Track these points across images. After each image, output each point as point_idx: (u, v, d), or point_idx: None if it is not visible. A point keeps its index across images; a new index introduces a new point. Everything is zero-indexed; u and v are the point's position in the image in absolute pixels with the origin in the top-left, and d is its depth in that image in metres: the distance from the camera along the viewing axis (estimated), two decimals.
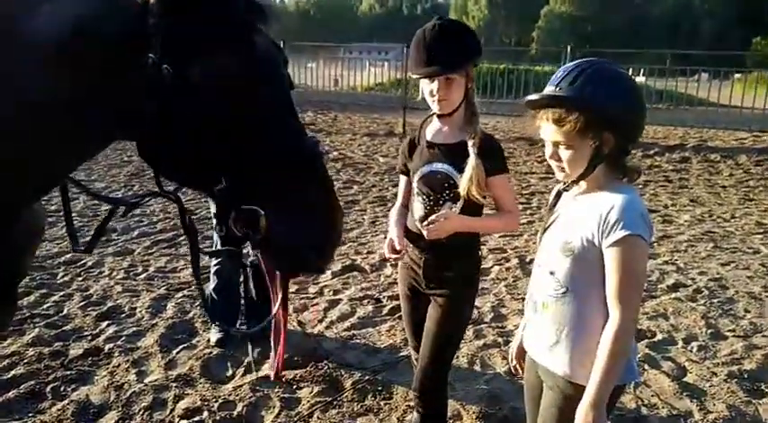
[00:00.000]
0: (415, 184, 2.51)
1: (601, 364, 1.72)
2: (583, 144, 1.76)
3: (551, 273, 1.88)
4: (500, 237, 6.45)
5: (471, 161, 2.29)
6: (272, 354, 3.50)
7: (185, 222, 1.74)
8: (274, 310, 2.07)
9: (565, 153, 1.80)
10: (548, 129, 1.81)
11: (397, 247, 2.43)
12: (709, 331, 4.29)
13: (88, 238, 1.83)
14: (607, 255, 1.73)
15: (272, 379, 3.48)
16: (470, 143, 2.33)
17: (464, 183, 2.30)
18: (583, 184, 1.86)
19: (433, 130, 2.52)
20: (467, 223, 2.40)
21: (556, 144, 1.81)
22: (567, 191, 1.92)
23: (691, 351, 4.00)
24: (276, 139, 1.48)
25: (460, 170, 2.34)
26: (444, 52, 2.25)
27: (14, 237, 1.70)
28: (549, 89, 1.80)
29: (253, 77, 1.47)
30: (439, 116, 2.46)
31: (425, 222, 2.36)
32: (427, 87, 2.37)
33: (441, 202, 2.43)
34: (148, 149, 1.56)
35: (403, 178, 2.67)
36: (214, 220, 1.95)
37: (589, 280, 1.79)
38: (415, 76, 2.42)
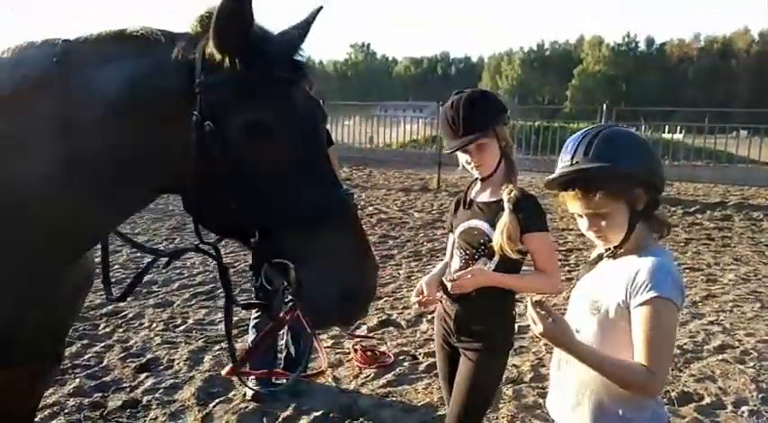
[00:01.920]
0: (455, 240, 2.58)
1: (604, 360, 1.66)
2: (617, 208, 1.76)
3: (577, 331, 1.82)
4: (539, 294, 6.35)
5: (504, 216, 2.33)
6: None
7: (222, 275, 1.76)
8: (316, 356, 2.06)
9: (603, 222, 1.78)
10: (576, 204, 1.80)
11: (424, 292, 2.50)
12: (760, 395, 4.10)
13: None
14: (634, 315, 1.69)
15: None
16: (505, 198, 2.37)
17: (496, 237, 2.33)
18: None
19: (476, 189, 2.61)
20: (495, 279, 2.40)
21: (590, 216, 1.80)
22: (611, 257, 1.87)
23: (741, 415, 3.83)
24: (310, 191, 1.51)
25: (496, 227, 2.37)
26: (467, 122, 2.38)
27: (62, 291, 1.76)
28: (564, 164, 1.80)
29: (290, 133, 1.50)
30: (482, 179, 2.55)
31: (451, 276, 2.42)
32: (462, 157, 2.51)
33: (476, 257, 2.46)
34: (190, 202, 1.61)
35: (451, 236, 2.72)
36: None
37: (615, 342, 1.74)
38: (448, 152, 2.55)
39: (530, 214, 2.37)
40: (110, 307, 5.48)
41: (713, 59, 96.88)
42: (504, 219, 2.32)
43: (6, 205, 1.53)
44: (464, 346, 2.49)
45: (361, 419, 3.64)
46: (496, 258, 2.40)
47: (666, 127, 21.38)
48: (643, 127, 17.70)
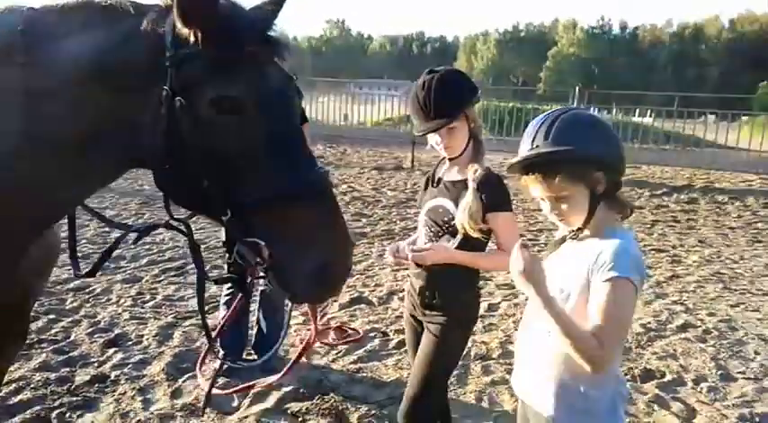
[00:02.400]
0: (421, 217, 2.62)
1: (569, 322, 1.67)
2: (577, 191, 1.78)
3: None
4: (508, 273, 6.44)
5: (468, 195, 2.35)
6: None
7: (194, 251, 1.73)
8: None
9: (564, 205, 1.81)
10: (537, 187, 1.82)
11: (397, 249, 2.55)
12: (719, 373, 4.25)
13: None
14: (593, 293, 1.72)
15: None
16: (470, 177, 2.39)
17: (458, 216, 2.36)
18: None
19: (443, 168, 2.63)
20: (454, 256, 2.41)
21: (551, 199, 1.82)
22: (574, 239, 1.89)
23: (701, 392, 3.96)
24: (284, 169, 1.49)
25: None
26: (438, 106, 2.36)
27: (27, 262, 1.72)
28: (525, 149, 1.82)
29: (262, 109, 1.48)
30: (449, 159, 2.56)
31: (413, 250, 2.45)
32: (432, 138, 2.51)
33: (440, 234, 2.50)
34: (161, 178, 1.58)
35: (420, 213, 2.77)
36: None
37: (577, 320, 1.75)
38: (417, 134, 2.52)
39: (493, 194, 2.38)
40: (77, 282, 5.38)
41: (684, 45, 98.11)
42: (467, 198, 2.34)
43: None
44: (427, 319, 2.53)
45: (331, 395, 3.67)
46: (459, 236, 2.42)
47: (637, 110, 21.71)
48: (614, 110, 17.92)
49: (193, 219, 1.86)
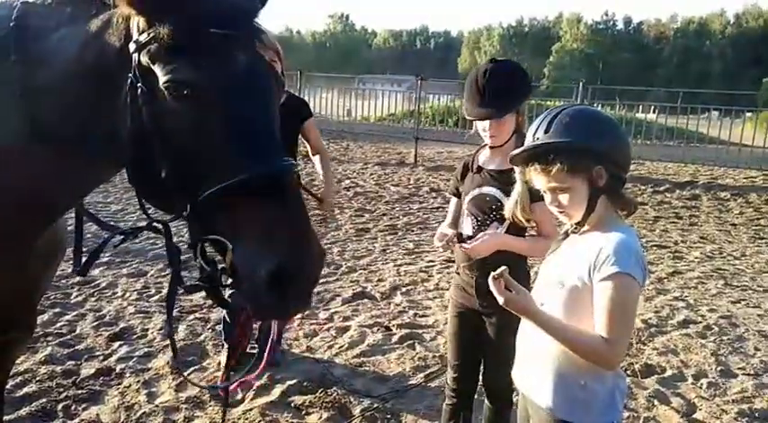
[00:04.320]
0: (465, 206, 2.71)
1: (566, 330, 1.74)
2: (577, 183, 1.80)
3: (542, 304, 1.89)
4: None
5: (518, 186, 2.38)
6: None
7: (169, 253, 1.60)
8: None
9: (563, 197, 1.84)
10: (539, 179, 1.86)
11: (447, 233, 2.62)
12: (719, 369, 4.27)
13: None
14: (597, 289, 1.74)
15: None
16: (518, 170, 2.42)
17: (509, 206, 2.41)
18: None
19: (485, 156, 2.72)
20: (509, 243, 2.54)
21: (552, 190, 1.85)
22: (575, 233, 1.93)
23: (700, 388, 3.99)
24: (242, 159, 1.34)
25: (508, 194, 2.46)
26: (495, 97, 2.46)
27: (34, 256, 1.74)
28: (528, 141, 1.87)
29: (221, 93, 1.37)
30: (491, 147, 2.64)
31: (470, 241, 2.54)
32: (480, 124, 2.61)
33: (488, 222, 2.61)
34: (129, 172, 1.49)
35: (453, 200, 2.88)
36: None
37: (579, 316, 1.79)
38: (468, 118, 2.63)
39: None
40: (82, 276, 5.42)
41: (689, 40, 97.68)
42: (518, 189, 2.37)
43: None
44: (487, 310, 2.61)
45: (334, 388, 3.70)
46: (506, 223, 2.53)
47: (640, 106, 21.65)
48: (617, 106, 17.87)
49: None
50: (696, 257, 7.36)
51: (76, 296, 5.03)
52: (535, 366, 1.94)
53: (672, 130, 16.36)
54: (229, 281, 1.39)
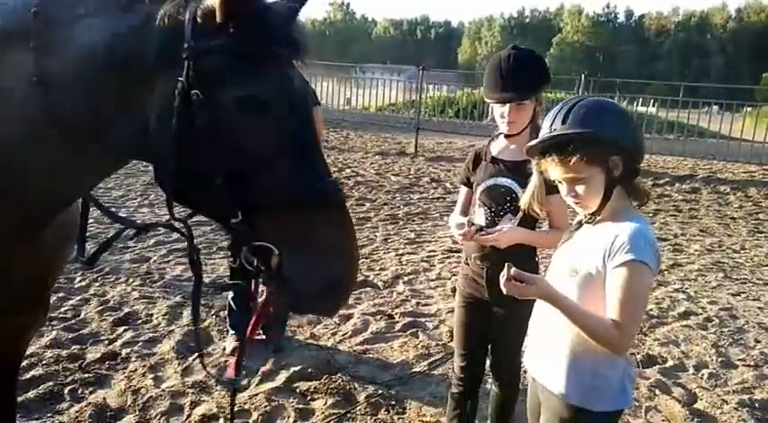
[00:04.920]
0: (478, 195, 2.71)
1: (581, 313, 1.77)
2: (594, 173, 1.82)
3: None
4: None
5: (534, 178, 2.39)
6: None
7: (192, 256, 1.67)
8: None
9: (580, 187, 1.85)
10: (555, 169, 1.87)
11: (464, 223, 2.61)
12: (719, 359, 4.32)
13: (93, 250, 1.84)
14: (610, 276, 1.77)
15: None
16: (534, 161, 2.43)
17: (526, 198, 2.41)
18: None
19: (499, 147, 2.71)
20: (529, 236, 2.57)
21: (569, 181, 1.87)
22: (590, 223, 1.94)
23: (701, 378, 4.03)
24: (298, 177, 1.41)
25: (523, 186, 2.46)
26: (518, 80, 2.49)
27: (47, 241, 1.74)
28: (544, 132, 1.88)
29: (282, 110, 1.42)
30: (506, 135, 2.64)
31: (487, 231, 2.55)
32: (498, 110, 2.60)
33: (502, 213, 2.62)
34: (164, 173, 1.50)
35: (464, 189, 2.87)
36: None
37: (593, 303, 1.82)
38: (488, 101, 2.64)
39: None
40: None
41: (690, 34, 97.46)
42: (534, 181, 2.36)
43: None
44: (497, 299, 2.61)
45: (339, 375, 3.73)
46: (519, 215, 2.55)
47: (640, 99, 21.62)
48: (618, 99, 17.85)
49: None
50: (696, 250, 7.40)
51: (80, 281, 5.04)
52: (548, 353, 1.96)
53: (672, 123, 16.36)
54: (265, 281, 1.49)
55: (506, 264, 1.87)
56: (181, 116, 1.40)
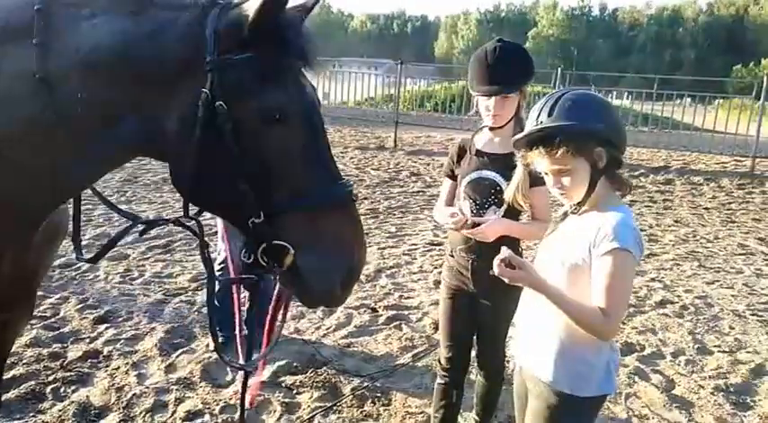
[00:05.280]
0: (462, 189, 2.73)
1: (568, 301, 1.80)
2: (579, 165, 1.86)
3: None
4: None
5: (519, 171, 2.41)
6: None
7: (204, 255, 1.76)
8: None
9: (566, 179, 1.89)
10: (542, 162, 1.91)
11: (456, 212, 2.64)
12: (696, 346, 4.42)
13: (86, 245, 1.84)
14: (595, 264, 1.81)
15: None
16: (518, 154, 2.45)
17: (510, 190, 2.44)
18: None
19: (483, 140, 2.74)
20: (513, 228, 2.61)
21: (555, 173, 1.90)
22: (575, 213, 1.98)
23: (679, 365, 4.12)
24: (315, 181, 1.52)
25: (507, 178, 2.50)
26: (504, 73, 2.51)
27: (38, 239, 1.74)
28: (530, 125, 1.91)
29: (299, 118, 1.51)
30: (491, 128, 2.67)
31: (472, 227, 2.58)
32: (483, 103, 2.61)
33: (486, 205, 2.65)
34: (184, 177, 1.54)
35: (447, 181, 2.89)
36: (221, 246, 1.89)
37: (579, 291, 1.85)
38: (474, 94, 2.64)
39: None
40: (62, 259, 5.35)
41: (662, 27, 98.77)
42: (518, 175, 2.39)
43: None
44: (483, 289, 2.66)
45: (324, 368, 3.75)
46: (504, 207, 2.58)
47: (615, 92, 21.91)
48: (593, 91, 18.05)
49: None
50: (671, 240, 7.55)
51: (58, 279, 4.98)
52: (536, 341, 1.99)
53: (646, 116, 16.61)
54: (279, 276, 1.62)
55: (503, 247, 1.93)
56: (204, 125, 1.45)
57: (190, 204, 1.67)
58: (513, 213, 2.62)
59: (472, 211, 2.68)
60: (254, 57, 1.45)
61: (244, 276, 1.65)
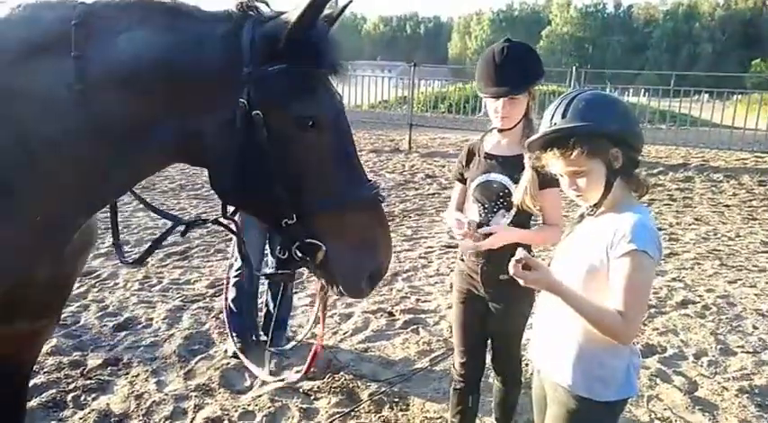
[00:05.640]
0: (471, 192, 2.69)
1: (585, 303, 1.77)
2: (595, 166, 1.83)
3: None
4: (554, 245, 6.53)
5: (527, 174, 2.39)
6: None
7: (242, 252, 1.91)
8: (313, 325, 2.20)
9: (581, 180, 1.86)
10: (556, 163, 1.88)
11: (464, 220, 2.57)
12: (718, 347, 4.35)
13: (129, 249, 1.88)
14: (613, 266, 1.78)
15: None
16: (527, 157, 2.41)
17: (519, 193, 2.42)
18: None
19: (492, 142, 2.70)
20: (517, 235, 2.54)
21: (570, 174, 1.88)
22: (592, 215, 1.95)
23: (701, 366, 4.06)
24: (346, 184, 1.62)
25: (516, 181, 2.47)
26: (512, 74, 2.46)
27: (70, 249, 1.75)
28: (544, 126, 1.89)
29: (331, 126, 1.59)
30: (499, 130, 2.63)
31: (479, 236, 2.52)
32: (492, 104, 2.57)
33: (495, 209, 2.60)
34: (225, 182, 1.63)
35: (458, 185, 2.84)
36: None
37: (597, 294, 1.83)
38: (482, 95, 2.62)
39: (548, 172, 2.46)
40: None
41: (678, 23, 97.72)
42: (527, 176, 2.38)
43: (22, 161, 1.51)
44: (495, 295, 2.64)
45: (341, 373, 3.74)
46: (513, 211, 2.54)
47: (631, 90, 21.69)
48: (608, 90, 17.89)
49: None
50: (691, 239, 7.44)
51: (78, 287, 5.01)
52: (554, 345, 1.97)
53: (663, 113, 16.43)
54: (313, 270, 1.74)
55: (519, 248, 1.90)
56: (242, 134, 1.52)
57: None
58: (523, 217, 2.58)
59: (480, 216, 2.64)
60: (289, 67, 1.51)
61: (280, 272, 1.76)
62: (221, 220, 1.86)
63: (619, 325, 1.74)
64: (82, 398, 3.42)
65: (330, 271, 1.67)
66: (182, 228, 1.90)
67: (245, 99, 1.51)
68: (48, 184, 1.54)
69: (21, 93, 1.49)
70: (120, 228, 1.90)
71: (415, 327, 4.54)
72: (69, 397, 3.41)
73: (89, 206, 1.69)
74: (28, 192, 1.52)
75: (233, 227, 1.96)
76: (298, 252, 1.64)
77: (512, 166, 2.53)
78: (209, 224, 1.96)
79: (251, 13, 1.55)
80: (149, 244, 1.91)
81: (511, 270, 1.85)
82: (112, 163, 1.56)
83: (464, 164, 2.79)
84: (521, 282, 1.85)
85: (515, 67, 2.47)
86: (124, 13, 1.54)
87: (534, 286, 1.89)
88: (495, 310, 2.68)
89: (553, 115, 1.85)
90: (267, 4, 1.60)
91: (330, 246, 1.62)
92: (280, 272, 1.77)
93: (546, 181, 2.41)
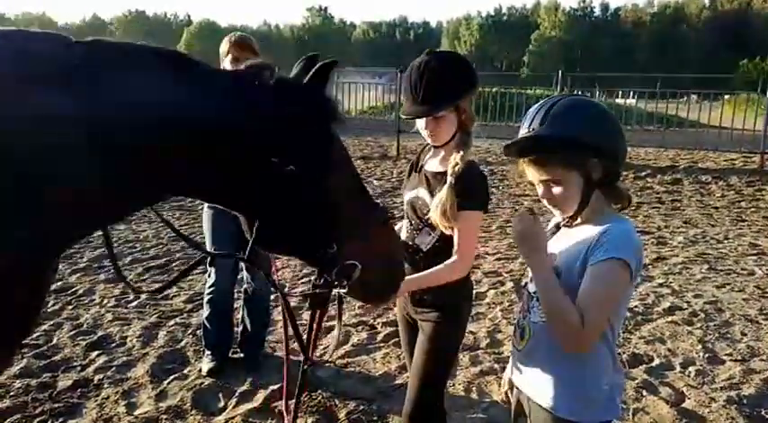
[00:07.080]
0: (404, 207, 2.53)
1: (560, 294, 1.66)
2: (571, 176, 1.74)
3: (538, 299, 1.81)
4: (495, 260, 6.43)
5: (442, 191, 2.24)
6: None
7: (275, 283, 2.19)
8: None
9: (557, 190, 1.77)
10: (532, 171, 1.79)
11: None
12: (706, 355, 4.26)
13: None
14: (587, 273, 1.68)
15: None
16: (449, 172, 2.27)
17: (432, 212, 2.26)
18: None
19: (428, 155, 2.52)
20: (415, 284, 2.31)
21: (545, 182, 1.78)
22: (567, 226, 1.86)
23: (689, 376, 3.96)
24: (363, 210, 1.84)
25: None
26: (430, 92, 2.22)
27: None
28: (522, 133, 1.78)
29: (344, 164, 1.79)
30: (434, 146, 2.44)
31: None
32: (419, 123, 2.36)
33: (420, 228, 2.40)
34: (266, 232, 1.70)
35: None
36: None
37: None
38: (403, 117, 2.42)
39: (468, 190, 2.26)
40: (59, 283, 5.29)
41: (665, 25, 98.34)
42: (442, 194, 2.22)
43: (26, 191, 1.39)
44: (420, 317, 2.46)
45: (319, 391, 3.63)
46: (438, 232, 2.33)
47: (619, 92, 21.70)
48: (597, 93, 17.92)
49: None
50: (679, 242, 7.38)
51: (53, 304, 4.90)
52: (530, 359, 1.87)
53: (651, 115, 16.44)
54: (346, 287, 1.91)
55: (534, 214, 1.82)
56: (282, 189, 1.62)
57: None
58: (450, 237, 2.32)
59: (407, 233, 2.45)
60: (304, 121, 1.62)
61: (313, 292, 1.93)
62: (245, 257, 1.91)
63: (576, 329, 1.61)
64: (49, 422, 3.29)
65: (365, 285, 1.87)
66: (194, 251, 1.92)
67: (279, 157, 1.60)
68: (47, 215, 1.43)
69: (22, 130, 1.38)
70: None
71: (396, 340, 4.42)
72: (35, 422, 3.28)
73: (85, 231, 1.63)
74: (29, 223, 1.43)
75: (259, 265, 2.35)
76: (334, 275, 1.82)
77: (437, 182, 2.33)
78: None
79: (265, 72, 1.64)
80: (174, 276, 1.94)
81: (518, 214, 1.81)
82: (113, 199, 1.50)
83: (407, 175, 2.61)
84: (518, 228, 1.80)
85: (432, 84, 2.20)
86: (130, 60, 1.47)
87: (521, 243, 1.77)
88: (421, 334, 2.43)
89: (531, 121, 1.75)
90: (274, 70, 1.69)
91: (363, 263, 1.82)
92: (312, 292, 1.93)
93: (465, 201, 2.24)
